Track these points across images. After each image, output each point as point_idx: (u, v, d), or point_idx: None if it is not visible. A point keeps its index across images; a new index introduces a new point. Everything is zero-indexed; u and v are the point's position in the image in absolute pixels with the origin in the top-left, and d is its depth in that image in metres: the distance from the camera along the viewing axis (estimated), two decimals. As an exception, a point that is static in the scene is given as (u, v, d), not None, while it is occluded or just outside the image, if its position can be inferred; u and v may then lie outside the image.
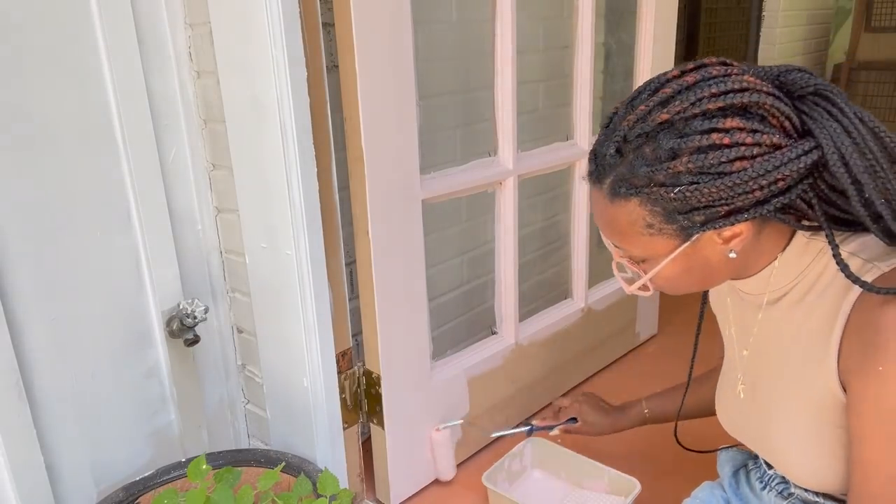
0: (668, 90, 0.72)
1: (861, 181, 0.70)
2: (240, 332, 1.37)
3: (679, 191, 0.71)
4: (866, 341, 0.72)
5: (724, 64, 0.75)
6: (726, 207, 0.73)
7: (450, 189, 1.38)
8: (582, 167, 1.69)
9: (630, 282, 0.85)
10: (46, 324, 1.05)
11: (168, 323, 1.20)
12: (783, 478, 0.95)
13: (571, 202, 1.76)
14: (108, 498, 1.11)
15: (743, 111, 0.71)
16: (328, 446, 1.28)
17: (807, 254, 0.80)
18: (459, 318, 1.79)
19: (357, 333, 1.38)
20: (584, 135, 1.68)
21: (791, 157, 0.70)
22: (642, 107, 0.73)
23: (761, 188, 0.71)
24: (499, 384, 1.61)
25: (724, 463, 1.08)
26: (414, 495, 1.46)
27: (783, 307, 0.83)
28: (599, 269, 1.86)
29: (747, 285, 0.86)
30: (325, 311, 1.22)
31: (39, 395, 1.04)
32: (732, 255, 0.77)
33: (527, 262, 1.92)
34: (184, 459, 1.18)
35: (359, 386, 1.36)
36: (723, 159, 0.69)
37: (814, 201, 0.75)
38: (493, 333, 1.64)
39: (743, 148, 0.70)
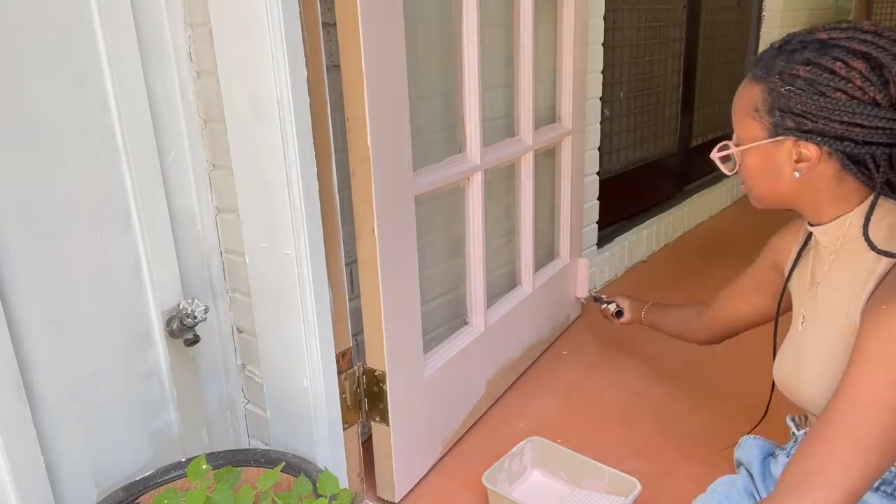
0: (843, 24, 0.86)
1: None
2: (240, 332, 1.37)
3: (788, 89, 0.86)
4: (887, 285, 0.85)
5: (884, 34, 0.85)
6: (811, 124, 0.86)
7: (435, 185, 1.42)
8: (527, 160, 1.81)
9: (724, 162, 0.99)
10: (46, 324, 1.05)
11: (168, 323, 1.20)
12: None
13: (520, 193, 1.83)
14: (108, 498, 1.11)
15: (877, 65, 0.83)
16: (328, 446, 1.28)
17: (880, 210, 0.90)
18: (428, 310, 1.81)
19: (357, 333, 1.38)
20: (528, 132, 1.78)
21: (877, 115, 0.82)
22: (817, 26, 0.88)
23: (841, 123, 0.84)
24: (474, 368, 1.66)
25: (752, 447, 1.12)
26: (414, 488, 1.47)
27: (847, 257, 0.95)
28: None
29: (824, 236, 0.97)
30: (325, 311, 1.22)
31: (39, 395, 1.04)
32: (797, 174, 0.91)
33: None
34: (184, 459, 1.18)
35: (359, 385, 1.37)
36: (830, 84, 0.84)
37: (881, 165, 0.86)
38: (465, 323, 1.68)
39: (850, 85, 0.83)
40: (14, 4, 0.95)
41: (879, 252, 0.86)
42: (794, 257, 1.10)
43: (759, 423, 1.19)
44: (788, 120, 0.88)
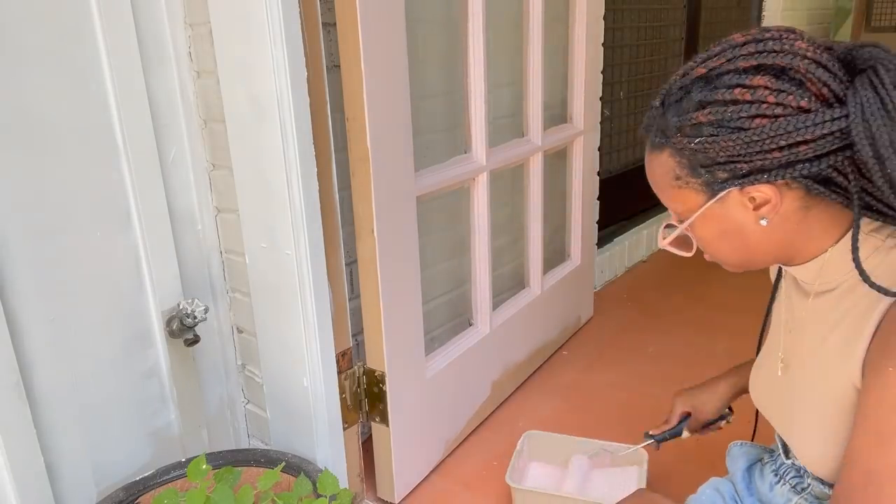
0: (715, 48, 0.74)
1: (884, 156, 0.67)
2: (240, 332, 1.37)
3: (699, 142, 0.73)
4: (888, 340, 0.72)
5: (789, 31, 0.73)
6: (746, 165, 0.72)
7: (438, 186, 1.42)
8: (536, 161, 1.79)
9: (676, 244, 0.86)
10: (46, 324, 1.05)
11: (168, 323, 1.20)
12: (798, 471, 0.95)
13: (528, 194, 1.82)
14: (108, 498, 1.11)
15: (779, 72, 0.70)
16: (328, 446, 1.28)
17: (862, 249, 0.75)
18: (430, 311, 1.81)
19: (357, 333, 1.38)
20: (537, 132, 1.77)
21: (815, 121, 0.68)
22: (690, 63, 0.75)
23: (780, 149, 0.70)
24: (478, 370, 1.65)
25: (738, 457, 1.07)
26: (415, 488, 1.47)
27: (833, 298, 0.81)
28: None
29: (800, 273, 0.84)
30: (325, 311, 1.22)
31: (39, 395, 1.04)
32: (763, 222, 0.76)
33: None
34: (184, 459, 1.18)
35: (359, 386, 1.36)
36: (741, 114, 0.70)
37: (849, 173, 0.72)
38: (469, 325, 1.68)
39: (764, 106, 0.69)
40: (14, 4, 0.95)
41: (879, 290, 0.71)
42: (774, 279, 0.99)
43: (752, 435, 1.16)
44: (719, 171, 0.74)
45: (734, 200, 0.76)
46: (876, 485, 0.71)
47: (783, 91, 0.69)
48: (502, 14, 1.74)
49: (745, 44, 0.72)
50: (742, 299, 2.30)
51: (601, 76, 2.27)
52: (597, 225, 2.44)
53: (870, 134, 0.67)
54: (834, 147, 0.69)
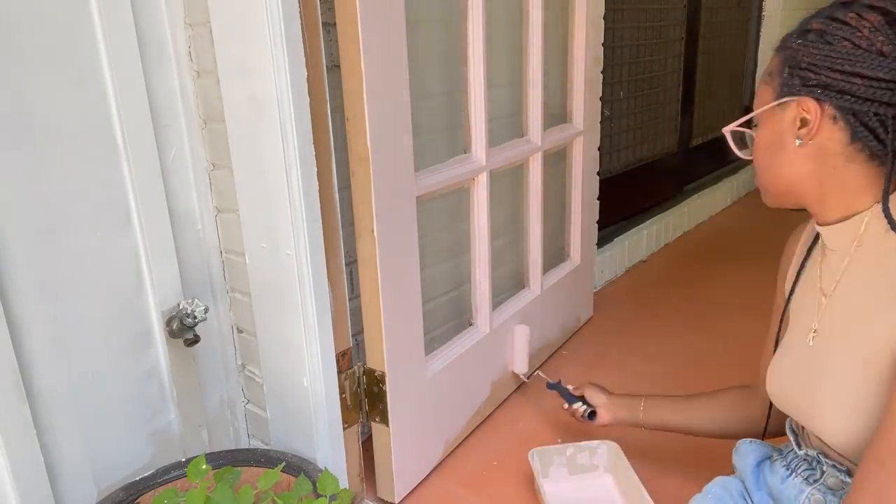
0: None
1: None
2: (240, 332, 1.37)
3: (799, 43, 0.81)
4: None
5: None
6: (814, 77, 0.79)
7: (437, 185, 1.42)
8: (535, 161, 1.78)
9: (736, 140, 0.93)
10: (46, 324, 1.05)
11: (168, 323, 1.20)
12: (809, 463, 0.94)
13: (528, 195, 1.82)
14: (108, 498, 1.11)
15: (892, 20, 0.77)
16: (328, 446, 1.28)
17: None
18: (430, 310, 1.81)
19: (357, 333, 1.38)
20: (537, 132, 1.77)
21: (877, 64, 0.75)
22: None
23: (842, 73, 0.77)
24: (478, 370, 1.65)
25: (748, 453, 1.06)
26: (415, 488, 1.47)
27: (868, 261, 0.84)
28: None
29: (834, 236, 0.87)
30: (325, 311, 1.22)
31: (39, 395, 1.04)
32: (798, 142, 0.82)
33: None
34: (184, 459, 1.18)
35: (359, 385, 1.37)
36: (838, 33, 0.78)
37: (891, 128, 0.77)
38: (469, 324, 1.67)
39: (858, 35, 0.77)
40: (14, 4, 0.95)
41: None
42: (800, 259, 1.00)
43: (763, 434, 1.15)
44: (795, 77, 0.81)
45: (791, 113, 0.83)
46: None
47: (880, 32, 0.76)
48: (502, 14, 1.74)
49: None
50: (743, 299, 2.30)
51: (601, 76, 2.27)
52: (597, 225, 2.44)
53: None
54: (883, 99, 0.76)
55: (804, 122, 0.81)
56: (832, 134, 0.80)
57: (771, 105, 0.85)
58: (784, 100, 0.83)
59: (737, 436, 1.13)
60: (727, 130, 0.92)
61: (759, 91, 0.89)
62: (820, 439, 0.90)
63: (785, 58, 0.83)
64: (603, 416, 1.40)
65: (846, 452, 0.86)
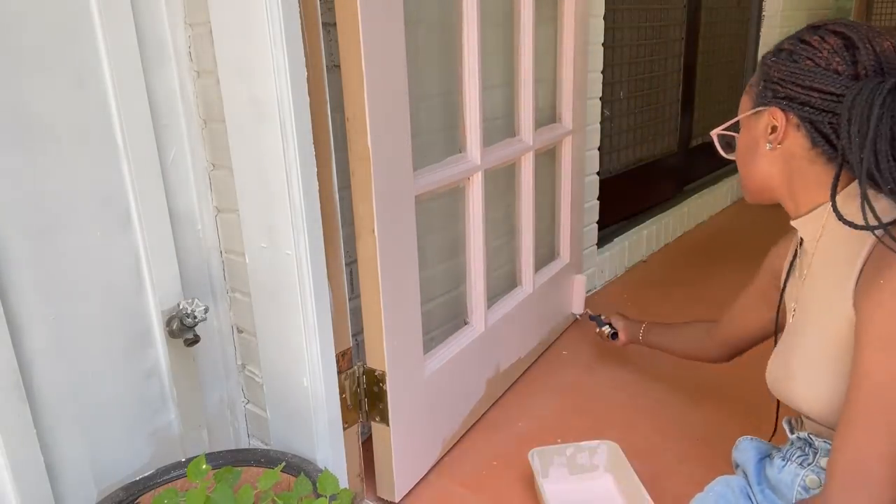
0: (836, 16, 0.98)
1: (852, 133, 0.83)
2: (240, 332, 1.37)
3: (773, 60, 0.93)
4: (878, 265, 0.84)
5: (880, 31, 0.90)
6: (782, 90, 0.91)
7: (435, 185, 1.42)
8: (527, 160, 1.80)
9: (722, 142, 1.04)
10: (46, 324, 1.05)
11: (168, 323, 1.20)
12: (802, 448, 1.01)
13: (520, 193, 1.83)
14: (108, 498, 1.11)
15: (849, 45, 0.87)
16: (328, 446, 1.28)
17: (845, 200, 0.90)
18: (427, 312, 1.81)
19: (357, 333, 1.38)
20: (528, 132, 1.78)
21: (831, 81, 0.86)
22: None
23: (803, 87, 0.89)
24: (474, 369, 1.66)
25: (748, 449, 1.12)
26: (414, 488, 1.47)
27: (830, 246, 0.95)
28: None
29: (805, 227, 0.98)
30: (325, 311, 1.22)
31: (39, 395, 1.04)
32: (768, 146, 0.95)
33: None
34: (184, 459, 1.18)
35: (359, 385, 1.37)
36: (803, 53, 0.90)
37: (840, 135, 0.86)
38: (465, 323, 1.68)
39: (819, 55, 0.88)
40: (14, 4, 0.95)
41: (848, 224, 0.84)
42: (789, 260, 1.11)
43: (772, 435, 1.18)
44: (768, 90, 0.93)
45: (763, 121, 0.95)
46: (888, 388, 0.79)
47: (838, 55, 0.87)
48: (495, 16, 1.75)
49: (857, 23, 0.90)
50: (742, 299, 2.30)
51: (601, 76, 2.27)
52: (597, 225, 2.44)
53: (859, 112, 0.82)
54: (836, 110, 0.86)
55: (773, 129, 0.94)
56: (796, 140, 0.92)
57: (748, 113, 0.98)
58: (758, 109, 0.95)
59: (690, 358, 1.55)
60: (714, 134, 1.04)
61: (742, 100, 1.00)
62: (808, 418, 0.99)
63: (762, 72, 0.95)
64: (622, 337, 1.79)
65: (824, 420, 0.94)
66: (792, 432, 1.05)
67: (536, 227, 1.89)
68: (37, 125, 1.00)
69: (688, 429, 1.61)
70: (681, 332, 1.58)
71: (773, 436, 1.16)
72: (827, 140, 0.89)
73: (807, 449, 1.01)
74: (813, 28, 0.92)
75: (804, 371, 0.96)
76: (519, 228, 1.86)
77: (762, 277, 1.25)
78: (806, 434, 1.01)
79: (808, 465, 0.99)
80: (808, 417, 1.00)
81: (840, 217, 0.85)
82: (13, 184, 0.99)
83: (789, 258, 1.11)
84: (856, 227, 0.83)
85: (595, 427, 1.64)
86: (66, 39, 1.02)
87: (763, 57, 0.97)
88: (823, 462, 0.96)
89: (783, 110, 0.91)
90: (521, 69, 1.74)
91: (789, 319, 1.04)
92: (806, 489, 0.98)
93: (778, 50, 0.94)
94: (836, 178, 0.87)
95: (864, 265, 0.86)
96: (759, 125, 0.96)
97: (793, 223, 1.00)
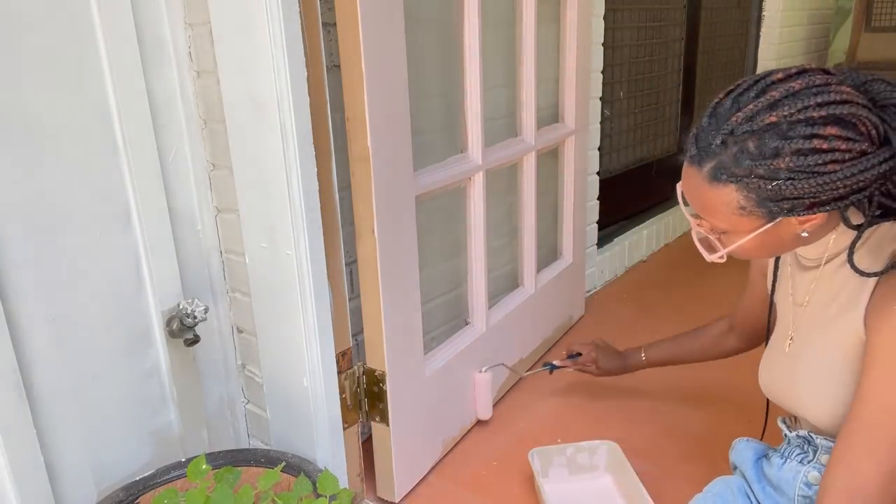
0: (775, 94, 0.81)
1: None
2: (240, 332, 1.37)
3: (776, 184, 0.81)
4: (886, 289, 0.84)
5: (825, 72, 0.83)
6: (811, 200, 0.82)
7: (436, 185, 1.42)
8: (529, 160, 1.79)
9: (710, 251, 0.94)
10: (46, 323, 1.05)
11: (168, 323, 1.20)
12: (801, 446, 1.02)
13: (522, 193, 1.82)
14: (108, 498, 1.11)
15: (840, 120, 0.79)
16: (328, 446, 1.28)
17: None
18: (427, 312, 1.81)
19: (357, 333, 1.38)
20: (530, 131, 1.78)
21: (874, 162, 0.79)
22: (750, 106, 0.81)
23: (846, 187, 0.80)
24: (475, 369, 1.65)
25: (745, 450, 1.12)
26: (414, 488, 1.47)
27: (836, 265, 0.94)
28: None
29: (808, 252, 0.97)
30: (325, 311, 1.22)
31: (39, 395, 1.04)
32: (805, 234, 0.87)
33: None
34: (184, 459, 1.18)
35: (359, 385, 1.37)
36: (819, 161, 0.79)
37: (875, 198, 0.83)
38: (466, 323, 1.68)
39: (838, 153, 0.79)
40: (14, 4, 0.95)
41: (864, 275, 0.84)
42: (771, 268, 1.10)
43: (762, 434, 1.19)
44: (785, 204, 0.83)
45: (786, 222, 0.86)
46: (893, 411, 0.81)
47: (850, 138, 0.79)
48: (497, 15, 1.75)
49: (802, 91, 0.80)
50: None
51: (601, 76, 2.27)
52: (597, 225, 2.44)
53: None
54: (877, 179, 0.81)
55: (806, 222, 0.86)
56: (829, 214, 0.86)
57: (764, 228, 0.86)
58: (779, 220, 0.85)
59: (713, 357, 1.44)
60: (714, 258, 0.93)
61: (725, 219, 0.87)
62: (810, 422, 1.00)
63: (758, 196, 0.83)
64: (595, 367, 1.64)
65: (828, 427, 0.96)
66: (790, 430, 1.06)
67: (538, 227, 1.89)
68: (37, 125, 1.00)
69: (688, 429, 1.61)
70: (691, 340, 1.49)
71: (762, 435, 1.17)
72: (858, 208, 0.85)
73: (806, 447, 1.01)
74: (783, 128, 0.80)
75: (817, 399, 0.96)
76: (521, 228, 1.86)
77: (751, 275, 1.25)
78: (805, 432, 1.01)
79: (809, 462, 1.00)
80: (806, 422, 1.01)
81: (859, 271, 0.85)
82: (13, 184, 0.99)
83: (771, 266, 1.11)
84: (872, 275, 0.85)
85: (595, 427, 1.64)
86: (66, 39, 1.02)
87: (745, 183, 0.83)
88: (825, 459, 0.97)
89: (826, 212, 0.84)
90: (523, 69, 1.73)
91: (784, 346, 1.03)
92: (808, 485, 0.99)
93: (773, 170, 0.81)
94: (857, 238, 0.85)
95: (876, 285, 0.86)
96: (783, 228, 0.87)
97: (798, 251, 0.99)
